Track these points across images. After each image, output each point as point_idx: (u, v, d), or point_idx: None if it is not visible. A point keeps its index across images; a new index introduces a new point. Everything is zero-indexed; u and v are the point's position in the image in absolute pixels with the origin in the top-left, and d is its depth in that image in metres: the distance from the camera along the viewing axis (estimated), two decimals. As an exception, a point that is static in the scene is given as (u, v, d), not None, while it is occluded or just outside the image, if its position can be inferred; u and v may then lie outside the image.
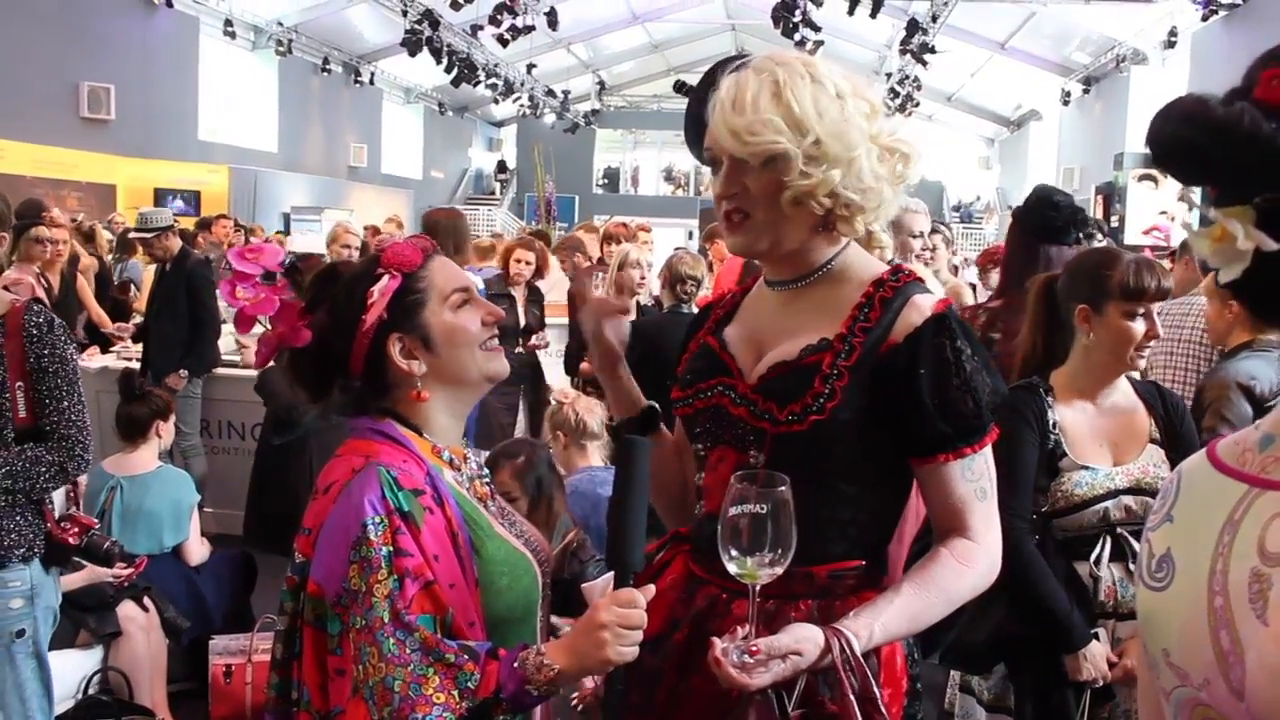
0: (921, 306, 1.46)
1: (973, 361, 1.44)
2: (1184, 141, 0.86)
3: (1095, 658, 2.23)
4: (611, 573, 1.42)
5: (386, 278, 1.54)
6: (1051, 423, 2.33)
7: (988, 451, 1.48)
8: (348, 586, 1.39)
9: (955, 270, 7.91)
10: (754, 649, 1.34)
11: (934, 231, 5.38)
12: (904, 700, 1.53)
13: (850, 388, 1.44)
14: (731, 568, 1.36)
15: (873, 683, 1.38)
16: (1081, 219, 3.25)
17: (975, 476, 1.47)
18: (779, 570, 1.35)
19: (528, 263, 6.08)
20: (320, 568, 1.42)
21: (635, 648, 1.37)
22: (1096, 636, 2.26)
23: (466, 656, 1.37)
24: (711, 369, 1.59)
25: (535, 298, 6.22)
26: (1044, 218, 3.23)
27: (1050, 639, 2.26)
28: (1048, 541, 2.32)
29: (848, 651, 1.36)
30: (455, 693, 1.35)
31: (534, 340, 5.99)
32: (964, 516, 1.47)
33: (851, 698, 1.36)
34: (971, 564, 1.47)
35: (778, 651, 1.34)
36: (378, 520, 1.39)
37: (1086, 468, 2.32)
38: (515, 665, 1.37)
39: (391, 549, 1.39)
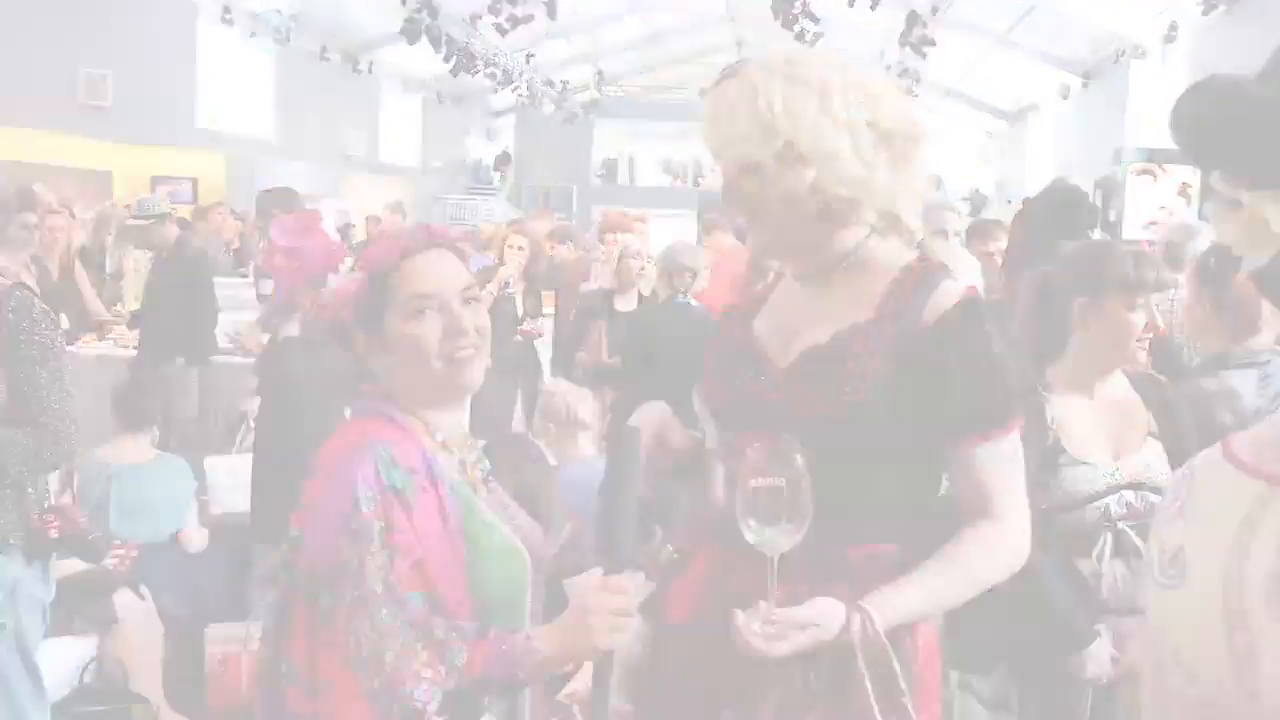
0: (951, 292, 1.48)
1: (1000, 347, 1.46)
2: (1218, 121, 0.84)
3: (1099, 656, 2.22)
4: (596, 568, 1.43)
5: (350, 276, 1.54)
6: (1049, 419, 2.31)
7: (1015, 436, 1.49)
8: (340, 559, 1.39)
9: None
10: (774, 619, 1.35)
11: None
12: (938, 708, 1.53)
13: (882, 370, 1.45)
14: (750, 538, 1.38)
15: (893, 659, 1.39)
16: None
17: (1002, 459, 1.48)
18: (797, 539, 1.36)
19: (521, 248, 6.04)
20: (313, 540, 1.43)
21: (623, 634, 1.38)
22: (1099, 634, 2.25)
23: (455, 634, 1.38)
24: (740, 358, 1.60)
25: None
26: (1077, 217, 3.23)
27: (1053, 638, 2.24)
28: (1048, 538, 2.29)
29: (869, 628, 1.37)
30: (442, 669, 1.36)
31: (527, 326, 5.97)
32: (989, 499, 1.48)
33: (865, 674, 1.37)
34: (996, 546, 1.48)
35: (797, 623, 1.35)
36: (370, 495, 1.40)
37: (1086, 464, 2.30)
38: (504, 647, 1.39)
39: (383, 524, 1.40)
